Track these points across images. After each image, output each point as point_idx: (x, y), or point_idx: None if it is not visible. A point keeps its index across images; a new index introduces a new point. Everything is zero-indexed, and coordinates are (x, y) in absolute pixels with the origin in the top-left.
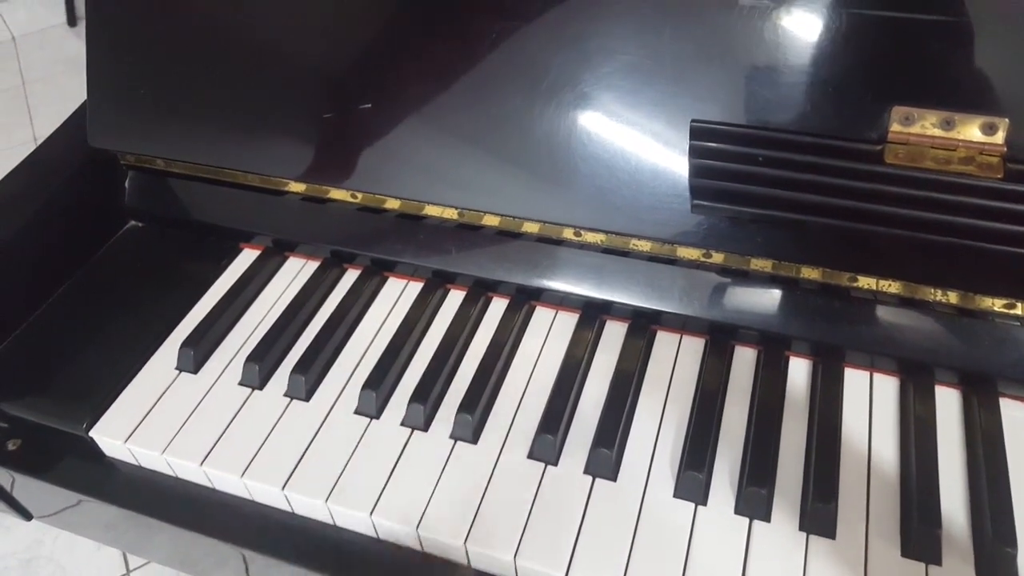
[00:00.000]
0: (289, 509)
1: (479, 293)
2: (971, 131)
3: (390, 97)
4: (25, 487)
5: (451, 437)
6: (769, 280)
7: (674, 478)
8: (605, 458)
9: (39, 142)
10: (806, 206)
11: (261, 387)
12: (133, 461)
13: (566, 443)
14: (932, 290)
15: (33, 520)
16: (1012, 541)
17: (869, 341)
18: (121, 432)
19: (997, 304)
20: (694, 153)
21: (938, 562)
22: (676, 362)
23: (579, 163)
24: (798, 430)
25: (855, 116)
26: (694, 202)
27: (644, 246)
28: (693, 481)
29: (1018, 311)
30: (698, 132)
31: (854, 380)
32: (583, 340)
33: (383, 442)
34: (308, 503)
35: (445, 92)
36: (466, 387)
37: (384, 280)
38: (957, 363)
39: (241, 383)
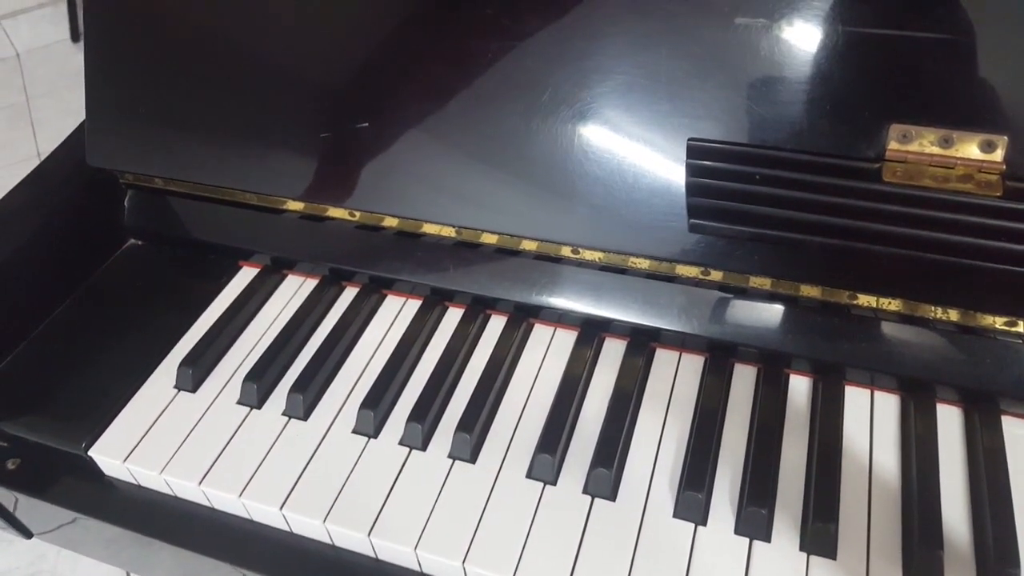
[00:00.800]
0: (287, 529)
1: (477, 310)
2: (970, 149)
3: (388, 116)
4: (25, 506)
5: (449, 456)
6: (768, 298)
7: (674, 498)
8: (604, 478)
9: (43, 157)
10: (804, 225)
11: (259, 406)
12: (132, 480)
13: (565, 462)
14: (932, 308)
15: (32, 539)
16: (1015, 561)
17: (869, 359)
18: (120, 451)
19: (998, 322)
20: (691, 172)
21: None
22: (675, 380)
23: (576, 181)
24: (798, 449)
25: (853, 134)
26: (691, 221)
27: (643, 264)
28: (693, 501)
29: (1019, 328)
30: (695, 151)
31: (855, 398)
32: (582, 358)
33: (381, 462)
34: (306, 523)
35: (443, 111)
36: (464, 406)
37: (383, 298)
38: (958, 381)
39: (239, 402)
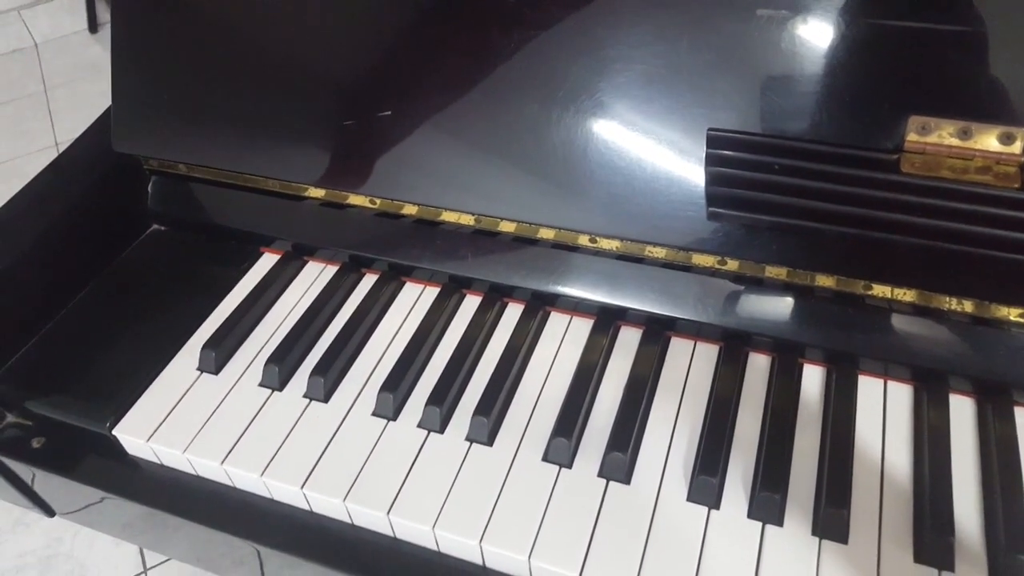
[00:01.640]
0: (308, 508)
1: (495, 298)
2: (988, 141)
3: (409, 104)
4: (48, 484)
5: (467, 439)
6: (783, 288)
7: (687, 482)
8: (619, 461)
9: (60, 147)
10: (822, 214)
11: (281, 388)
12: (155, 459)
13: (580, 446)
14: (947, 299)
15: (56, 517)
16: None
17: (883, 349)
18: (144, 431)
19: (1013, 313)
20: (710, 161)
21: (951, 568)
22: (690, 368)
23: (595, 170)
24: (811, 436)
25: (872, 125)
26: (710, 209)
27: (659, 253)
28: (706, 485)
29: None
30: (715, 140)
31: (868, 387)
32: (598, 346)
33: (400, 443)
34: (327, 502)
35: (463, 100)
36: (482, 390)
37: (401, 285)
38: (972, 372)
39: (261, 384)
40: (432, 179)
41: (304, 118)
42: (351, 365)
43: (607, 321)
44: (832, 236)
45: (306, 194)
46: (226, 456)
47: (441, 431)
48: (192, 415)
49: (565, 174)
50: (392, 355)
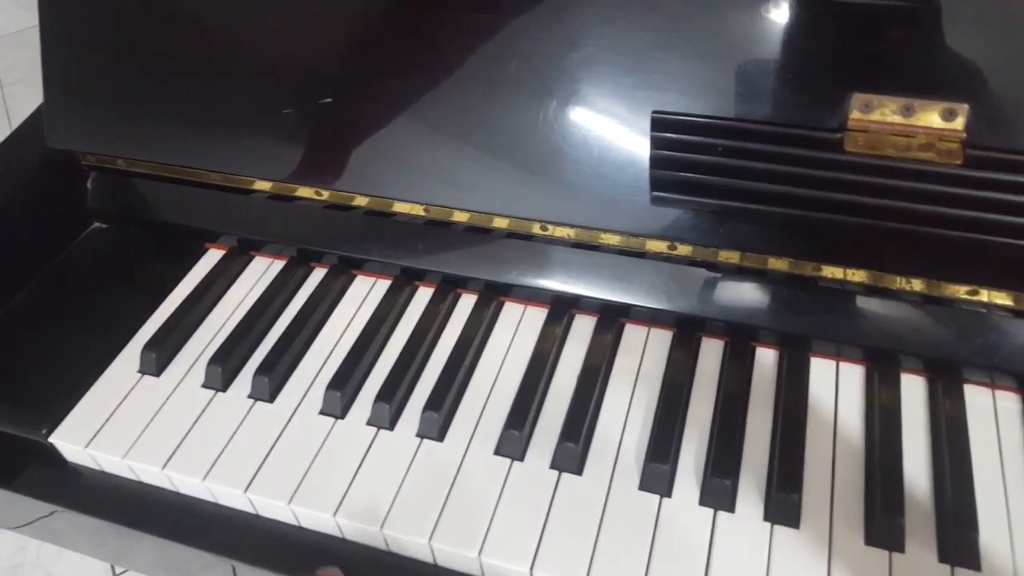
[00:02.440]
0: (254, 512)
1: (448, 290)
2: (931, 117)
3: (352, 93)
4: None
5: (417, 435)
6: (736, 271)
7: (640, 471)
8: (571, 452)
9: None
10: (766, 196)
11: (224, 389)
12: (96, 467)
13: (533, 438)
14: (896, 278)
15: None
16: (974, 527)
17: (835, 330)
18: (81, 437)
19: (961, 291)
20: (655, 144)
21: (901, 549)
22: (644, 355)
23: (543, 157)
24: (764, 420)
25: (815, 104)
26: (655, 194)
27: (613, 240)
28: (657, 473)
29: (982, 297)
30: (659, 123)
31: (820, 369)
32: (552, 335)
33: (348, 442)
34: (271, 504)
35: (408, 88)
36: (433, 385)
37: (352, 278)
38: (922, 351)
39: (204, 385)
40: (380, 169)
41: (246, 107)
42: (298, 363)
43: (561, 310)
44: (778, 218)
45: (252, 187)
46: (167, 461)
47: (391, 428)
48: (132, 420)
49: (514, 161)
50: (341, 351)
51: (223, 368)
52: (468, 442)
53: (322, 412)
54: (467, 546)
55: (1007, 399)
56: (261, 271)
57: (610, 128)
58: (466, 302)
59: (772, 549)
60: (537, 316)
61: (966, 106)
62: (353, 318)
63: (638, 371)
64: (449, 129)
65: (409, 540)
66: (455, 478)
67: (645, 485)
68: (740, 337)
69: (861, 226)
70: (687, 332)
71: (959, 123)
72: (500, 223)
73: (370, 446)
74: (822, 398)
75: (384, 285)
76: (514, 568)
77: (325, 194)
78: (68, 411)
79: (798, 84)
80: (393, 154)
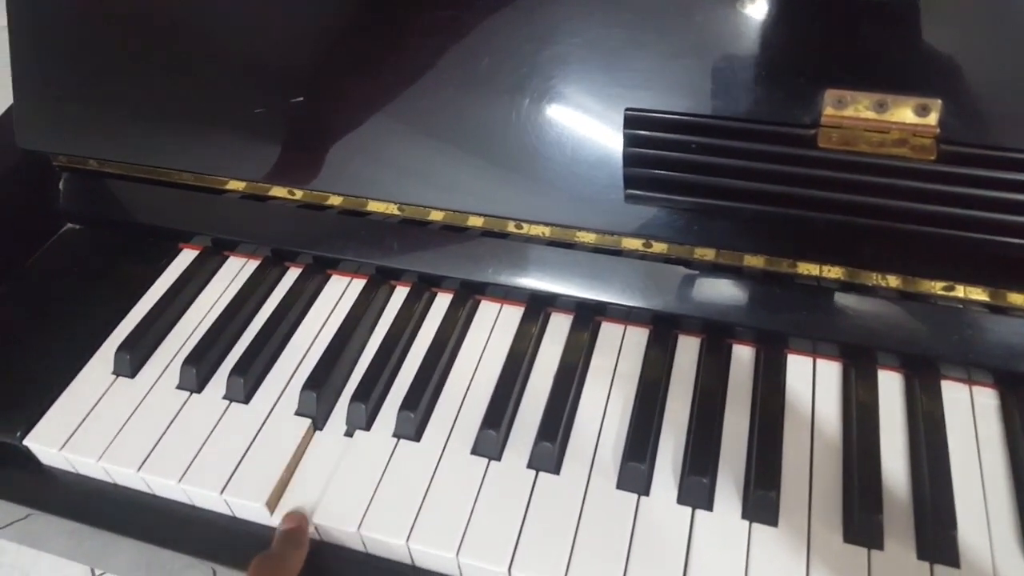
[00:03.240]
0: (230, 514)
1: (423, 289)
2: (904, 113)
3: (325, 90)
4: None
5: (394, 435)
6: (712, 268)
7: (617, 470)
8: (548, 452)
9: None
10: (740, 193)
11: (199, 390)
12: (71, 469)
13: (510, 438)
14: (873, 274)
15: None
16: (952, 523)
17: (812, 327)
18: (56, 440)
19: (937, 287)
20: (628, 142)
21: (880, 547)
22: (620, 353)
23: (517, 155)
24: (741, 418)
25: (788, 100)
26: (627, 191)
27: (589, 238)
28: (634, 472)
29: (957, 293)
30: (632, 121)
31: (797, 366)
32: (528, 334)
33: (325, 443)
34: (247, 507)
35: (379, 86)
36: (409, 384)
37: (327, 278)
38: (899, 347)
39: (179, 387)
40: (354, 168)
41: (216, 107)
42: (273, 364)
43: (537, 308)
44: (753, 215)
45: (225, 187)
46: (142, 463)
47: (367, 428)
48: (107, 422)
49: (488, 160)
50: (317, 351)
51: (198, 369)
52: (445, 442)
53: (298, 413)
54: (445, 547)
55: (984, 395)
56: (235, 271)
57: (584, 126)
58: (442, 301)
59: (751, 547)
60: (513, 315)
61: (939, 102)
62: (328, 318)
63: (615, 369)
64: (422, 128)
65: (387, 541)
66: (432, 478)
67: (623, 484)
68: (716, 334)
69: (836, 222)
70: (663, 330)
71: (932, 119)
72: (475, 221)
73: (347, 447)
74: (799, 395)
75: (359, 284)
76: (492, 568)
77: (299, 194)
78: (43, 413)
79: (771, 80)
80: (366, 153)
